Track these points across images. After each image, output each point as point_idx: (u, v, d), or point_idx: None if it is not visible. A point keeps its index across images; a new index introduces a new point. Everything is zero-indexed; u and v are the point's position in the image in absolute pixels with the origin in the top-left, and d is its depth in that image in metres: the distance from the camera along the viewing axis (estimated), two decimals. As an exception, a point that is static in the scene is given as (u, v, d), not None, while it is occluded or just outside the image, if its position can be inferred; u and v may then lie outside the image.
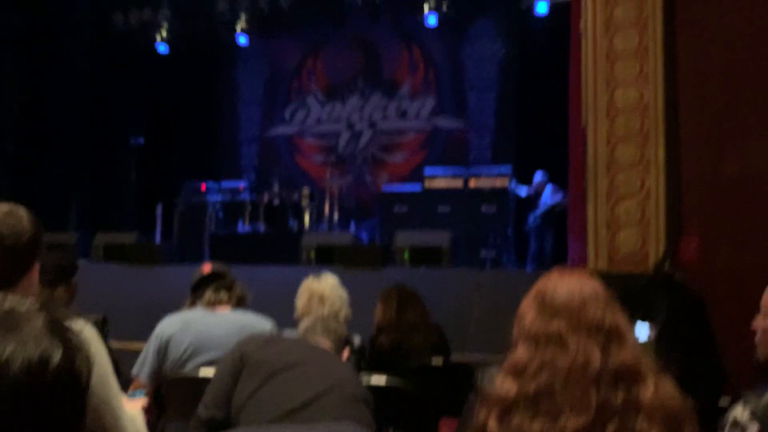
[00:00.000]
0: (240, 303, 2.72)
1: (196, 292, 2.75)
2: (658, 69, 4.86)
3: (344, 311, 2.97)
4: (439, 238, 5.72)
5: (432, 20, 10.13)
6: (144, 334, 3.01)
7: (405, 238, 5.80)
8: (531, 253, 8.86)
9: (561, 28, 6.33)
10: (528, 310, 1.63)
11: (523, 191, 8.90)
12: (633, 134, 4.91)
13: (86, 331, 1.48)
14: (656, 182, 4.81)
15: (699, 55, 4.80)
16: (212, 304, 2.69)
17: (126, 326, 4.54)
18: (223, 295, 2.70)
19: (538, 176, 8.86)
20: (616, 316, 1.61)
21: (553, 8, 9.48)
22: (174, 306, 3.13)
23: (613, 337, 1.56)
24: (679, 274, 4.59)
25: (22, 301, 0.78)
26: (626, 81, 4.94)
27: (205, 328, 2.59)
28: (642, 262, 4.80)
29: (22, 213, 1.53)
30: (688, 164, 4.78)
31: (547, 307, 1.60)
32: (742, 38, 4.67)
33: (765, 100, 4.64)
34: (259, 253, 8.11)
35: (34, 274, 1.53)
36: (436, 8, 9.87)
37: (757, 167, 4.56)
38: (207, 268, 2.80)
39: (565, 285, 1.62)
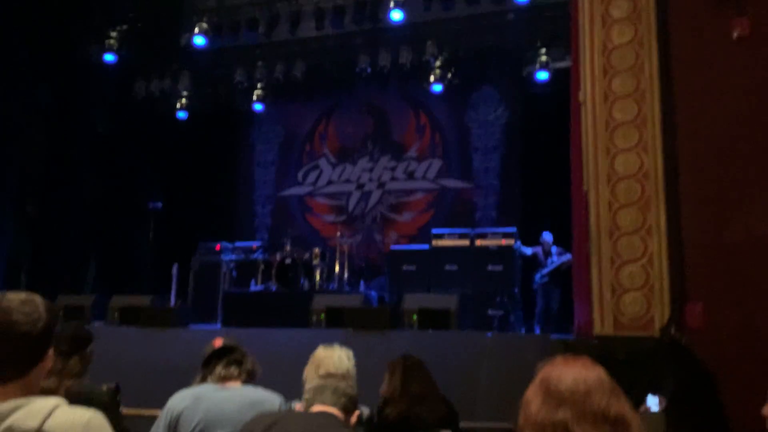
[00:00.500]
0: (250, 377, 2.68)
1: (206, 367, 2.72)
2: (656, 137, 4.91)
3: (351, 377, 2.91)
4: (447, 300, 5.66)
5: (438, 88, 10.36)
6: (158, 399, 2.96)
7: (413, 301, 5.75)
8: (538, 311, 8.76)
9: (562, 92, 6.45)
10: (533, 398, 1.60)
11: (528, 250, 8.89)
12: (634, 200, 4.92)
13: (93, 421, 1.46)
14: (659, 247, 4.79)
15: (698, 123, 4.86)
16: (223, 379, 2.65)
17: (140, 391, 4.48)
18: (234, 370, 2.66)
19: (545, 236, 8.86)
20: (621, 405, 1.57)
21: (554, 74, 9.68)
22: (187, 370, 3.09)
23: (618, 426, 1.52)
24: (686, 339, 4.51)
25: (25, 417, 0.76)
26: (626, 149, 4.99)
27: (216, 404, 2.53)
28: (647, 326, 4.73)
29: (38, 301, 1.53)
30: (690, 229, 4.77)
31: (553, 395, 1.56)
32: (741, 107, 4.73)
33: (764, 164, 4.66)
34: (270, 312, 8.05)
35: (47, 363, 1.52)
36: (442, 77, 10.11)
37: (759, 232, 4.54)
38: (218, 342, 2.78)
39: (569, 373, 1.59)
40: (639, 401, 3.00)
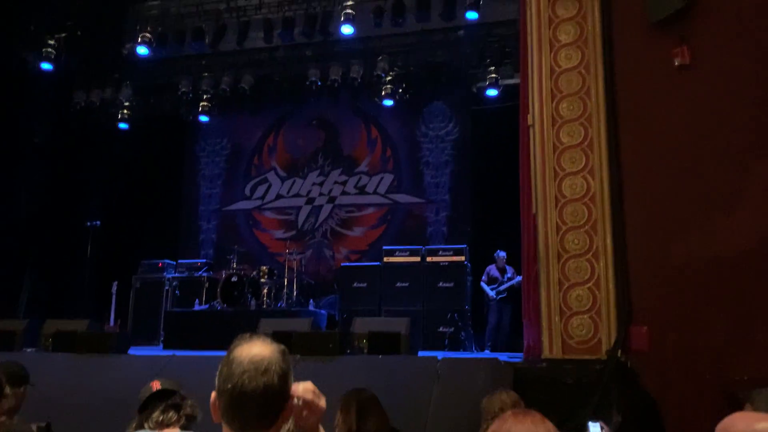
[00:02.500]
0: (190, 422, 2.55)
1: (143, 412, 2.57)
2: (603, 161, 5.01)
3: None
4: (397, 324, 5.62)
5: (389, 102, 10.38)
6: None
7: (363, 325, 5.68)
8: (489, 328, 8.83)
9: (512, 109, 6.54)
10: (482, 457, 1.57)
11: (490, 291, 8.92)
12: (581, 223, 5.00)
13: None
14: (606, 270, 4.87)
15: (642, 147, 4.98)
16: (160, 425, 2.51)
17: (74, 429, 4.25)
18: (172, 415, 2.52)
19: (500, 254, 8.98)
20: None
21: (504, 90, 9.83)
22: (124, 401, 2.92)
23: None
24: (631, 362, 4.59)
25: None
26: (573, 172, 5.07)
27: (152, 454, 2.40)
28: (595, 348, 4.80)
29: None
30: (636, 252, 4.87)
31: (502, 454, 1.53)
32: (684, 131, 4.88)
33: (706, 188, 4.81)
34: (215, 333, 7.83)
35: None
36: (393, 91, 10.14)
37: (701, 254, 4.67)
38: (155, 385, 2.63)
39: (519, 429, 1.56)
40: (583, 427, 3.01)
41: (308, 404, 1.50)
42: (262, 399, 1.41)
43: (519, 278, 8.43)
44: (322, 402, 1.54)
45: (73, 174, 10.47)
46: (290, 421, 1.58)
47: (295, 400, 1.46)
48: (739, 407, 2.34)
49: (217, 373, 1.47)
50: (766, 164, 4.60)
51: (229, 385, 1.43)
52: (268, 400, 1.42)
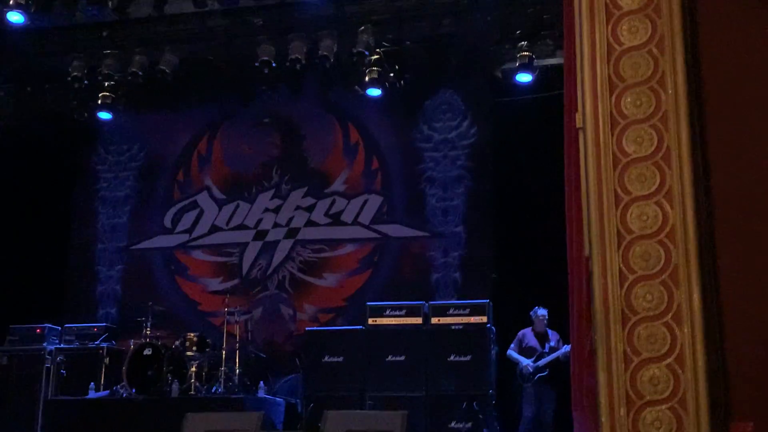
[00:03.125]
0: None
1: None
2: (685, 180, 5.00)
3: None
4: (389, 420, 5.56)
5: (375, 92, 10.41)
6: None
7: (338, 421, 5.62)
8: (524, 423, 8.78)
9: (552, 101, 6.57)
10: None
11: (522, 359, 8.90)
12: (656, 271, 4.97)
13: None
14: (691, 339, 4.83)
15: (739, 161, 4.99)
16: None
17: None
18: None
19: (539, 312, 8.97)
20: None
21: (540, 76, 9.91)
22: None
23: None
24: (735, 478, 4.54)
25: None
26: (643, 197, 5.07)
27: None
28: (680, 456, 4.74)
29: None
30: (734, 313, 4.85)
31: None
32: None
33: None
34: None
35: None
36: (380, 78, 10.15)
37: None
38: None
39: None
40: None
41: None
42: None
43: (567, 348, 8.42)
44: None
45: None
46: None
47: None
48: None
49: None
50: None
51: None
52: None
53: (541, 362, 8.83)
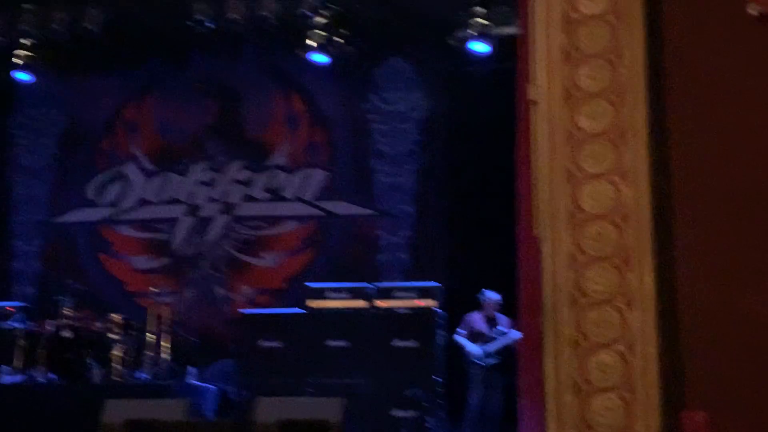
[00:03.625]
0: None
1: None
2: (641, 157, 5.13)
3: None
4: (327, 408, 5.60)
5: (321, 59, 10.39)
6: None
7: (273, 409, 5.64)
8: (470, 410, 8.89)
9: (507, 72, 6.62)
10: None
11: (467, 343, 9.00)
12: (608, 252, 5.10)
13: None
14: (642, 324, 4.98)
15: (700, 138, 5.12)
16: None
17: None
18: None
19: (489, 295, 9.06)
20: None
21: (498, 44, 9.96)
22: None
23: None
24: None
25: None
26: (597, 174, 5.18)
27: None
28: (627, 446, 4.89)
29: None
30: (689, 298, 4.99)
31: None
32: (765, 113, 5.04)
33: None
34: (35, 422, 7.75)
35: None
36: (327, 42, 10.14)
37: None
38: None
39: None
40: None
41: None
42: None
43: (517, 334, 8.56)
44: None
45: None
46: None
47: None
48: None
49: None
50: None
51: None
52: None
53: (491, 347, 8.93)
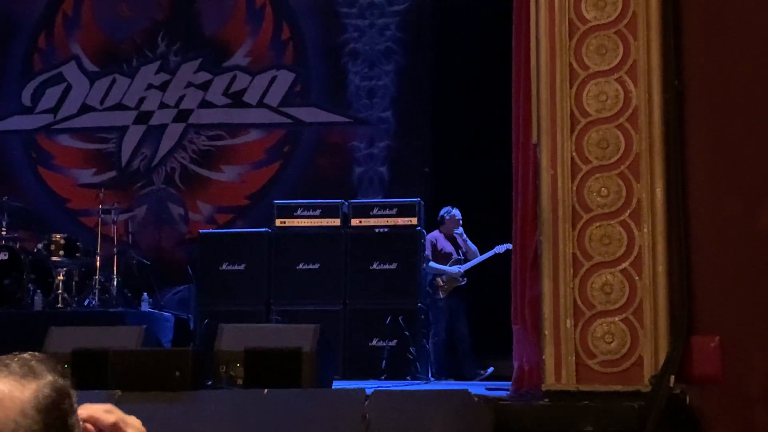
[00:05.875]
0: None
1: None
2: (653, 54, 5.10)
3: None
4: (298, 335, 5.65)
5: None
6: None
7: (238, 337, 5.68)
8: (435, 338, 9.08)
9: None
10: None
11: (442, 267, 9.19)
12: (614, 160, 5.10)
13: None
14: (651, 241, 5.01)
15: (718, 37, 5.09)
16: None
17: None
18: None
19: (452, 212, 9.24)
20: None
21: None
22: None
23: None
24: (693, 397, 4.78)
25: None
26: (602, 72, 5.16)
27: None
28: (631, 374, 4.96)
29: None
30: (702, 213, 5.02)
31: None
32: None
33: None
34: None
35: None
36: None
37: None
38: None
39: None
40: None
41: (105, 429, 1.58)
42: None
43: (499, 248, 8.71)
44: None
45: None
46: None
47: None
48: None
49: None
50: None
51: None
52: None
53: (467, 265, 9.12)
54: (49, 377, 1.50)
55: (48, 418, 1.45)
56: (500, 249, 8.80)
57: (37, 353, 1.57)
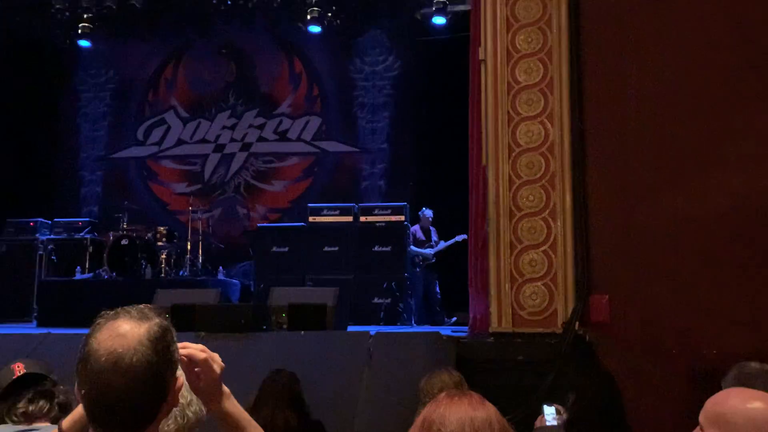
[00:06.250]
0: (63, 412, 2.47)
1: (4, 402, 2.47)
2: (564, 105, 5.11)
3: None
4: (323, 294, 5.65)
5: (315, 29, 10.16)
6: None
7: (282, 296, 5.68)
8: (417, 298, 9.03)
9: (462, 41, 6.54)
10: (414, 442, 1.60)
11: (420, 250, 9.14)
12: (537, 176, 5.11)
13: None
14: (563, 231, 5.02)
15: (611, 90, 5.10)
16: (29, 418, 2.43)
17: None
18: (43, 404, 2.45)
19: (426, 212, 9.21)
20: (511, 448, 1.60)
21: (453, 19, 9.79)
22: None
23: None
24: (591, 336, 4.79)
25: None
26: (530, 117, 5.16)
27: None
28: (549, 321, 4.98)
29: None
30: (598, 212, 5.04)
31: (436, 440, 1.57)
32: (665, 73, 5.00)
33: (679, 144, 4.99)
34: (101, 308, 7.69)
35: None
36: (320, 16, 9.89)
37: (670, 216, 4.87)
38: (18, 368, 2.53)
39: (454, 413, 1.60)
40: (538, 410, 3.14)
41: (198, 363, 1.57)
42: (126, 405, 1.39)
43: (459, 237, 8.69)
44: (216, 366, 1.58)
45: None
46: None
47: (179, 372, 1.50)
48: (710, 384, 2.48)
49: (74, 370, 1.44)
50: (745, 121, 4.80)
51: (83, 391, 1.40)
52: (134, 406, 1.40)
53: (438, 248, 9.04)
54: (157, 319, 1.49)
55: (157, 346, 1.45)
56: (459, 238, 8.76)
57: (148, 305, 1.56)
